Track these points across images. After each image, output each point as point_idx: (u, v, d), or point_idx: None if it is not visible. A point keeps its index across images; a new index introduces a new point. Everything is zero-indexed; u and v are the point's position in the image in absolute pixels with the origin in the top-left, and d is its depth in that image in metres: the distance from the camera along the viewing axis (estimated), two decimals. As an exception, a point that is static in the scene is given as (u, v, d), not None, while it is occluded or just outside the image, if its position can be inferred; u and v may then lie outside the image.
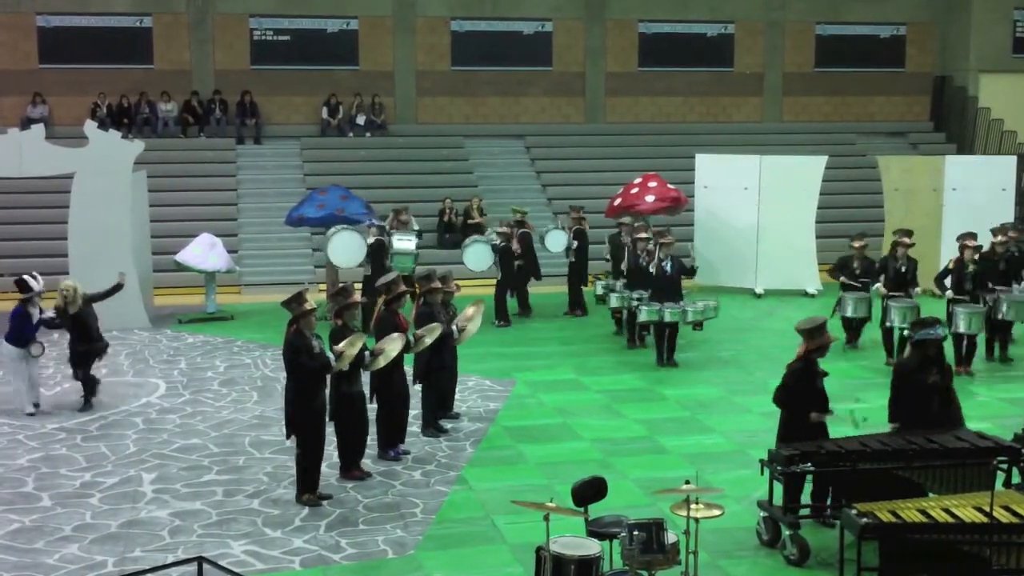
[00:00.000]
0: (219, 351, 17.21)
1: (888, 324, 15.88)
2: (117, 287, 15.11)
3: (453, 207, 24.27)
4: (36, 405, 13.85)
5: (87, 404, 14.04)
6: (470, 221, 24.04)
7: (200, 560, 7.19)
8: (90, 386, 14.17)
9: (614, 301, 17.30)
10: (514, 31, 28.47)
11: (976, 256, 16.02)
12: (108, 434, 12.91)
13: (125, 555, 9.52)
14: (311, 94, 27.36)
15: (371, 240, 18.76)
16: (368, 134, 27.38)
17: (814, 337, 9.98)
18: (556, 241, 20.05)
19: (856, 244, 16.97)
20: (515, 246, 19.52)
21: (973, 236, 16.21)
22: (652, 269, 16.37)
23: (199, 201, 24.67)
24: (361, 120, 27.34)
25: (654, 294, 16.21)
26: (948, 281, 16.34)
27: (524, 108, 28.64)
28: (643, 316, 16.16)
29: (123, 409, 13.97)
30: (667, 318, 15.93)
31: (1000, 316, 15.84)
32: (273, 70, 27.22)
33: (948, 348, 11.46)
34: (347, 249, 18.78)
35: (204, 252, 19.69)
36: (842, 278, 16.88)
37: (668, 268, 16.22)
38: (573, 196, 25.96)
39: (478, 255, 19.54)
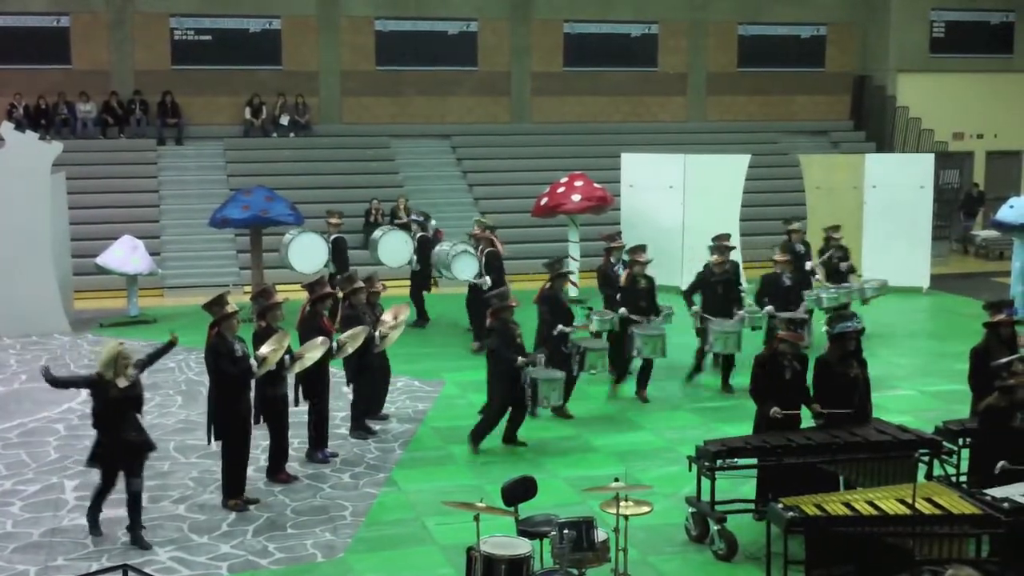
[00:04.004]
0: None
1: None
2: (170, 346, 10.72)
3: (380, 207, 24.16)
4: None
5: (93, 529, 9.95)
6: (396, 221, 23.94)
7: (125, 568, 7.10)
8: (94, 517, 10.00)
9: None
10: (439, 31, 28.38)
11: (645, 271, 14.42)
12: (28, 441, 12.65)
13: (48, 564, 9.35)
14: (234, 94, 27.03)
15: (419, 235, 18.94)
16: (292, 134, 27.14)
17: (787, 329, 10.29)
18: (465, 268, 17.65)
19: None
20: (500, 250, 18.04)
21: (642, 249, 14.54)
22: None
23: (120, 203, 24.26)
24: (285, 120, 27.08)
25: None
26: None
27: (450, 108, 28.57)
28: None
29: (43, 415, 13.69)
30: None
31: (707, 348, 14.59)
32: (195, 70, 26.84)
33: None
34: (395, 250, 18.81)
35: (126, 255, 19.38)
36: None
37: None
38: (499, 196, 26.03)
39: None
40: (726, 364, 14.69)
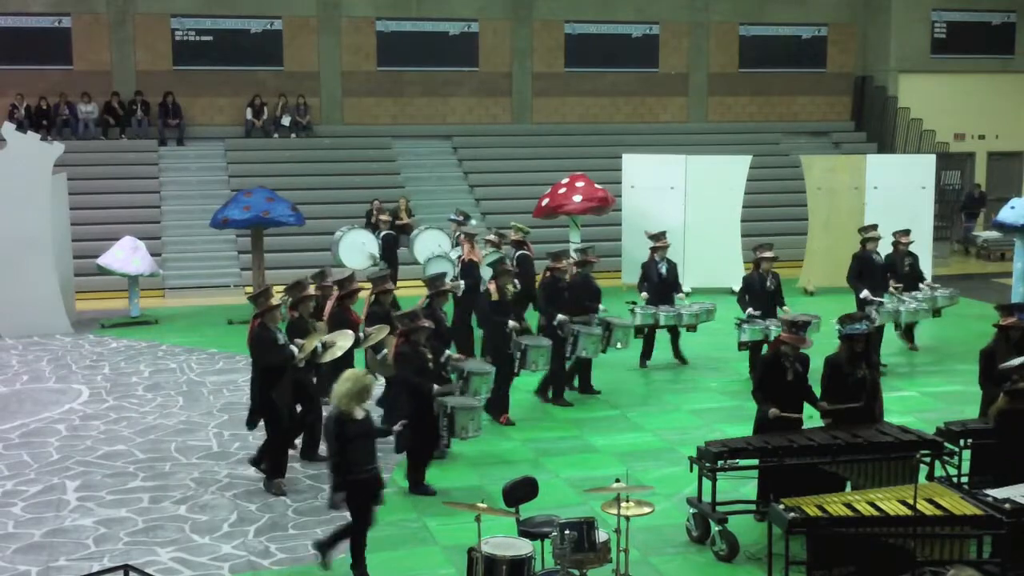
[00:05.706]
0: (143, 355, 16.94)
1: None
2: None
3: (381, 208, 24.16)
4: None
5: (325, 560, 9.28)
6: (398, 222, 23.94)
7: (126, 568, 7.09)
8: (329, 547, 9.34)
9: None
10: (440, 31, 28.39)
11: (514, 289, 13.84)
12: (30, 442, 12.65)
13: (49, 564, 9.35)
14: (235, 95, 27.05)
15: (458, 233, 18.61)
16: (293, 135, 27.15)
17: (789, 331, 10.22)
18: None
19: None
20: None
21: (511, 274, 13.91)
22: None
23: (121, 204, 24.28)
24: (286, 121, 27.09)
25: (651, 298, 15.62)
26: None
27: (451, 108, 28.59)
28: (637, 320, 15.30)
29: (45, 416, 13.68)
30: (662, 321, 15.52)
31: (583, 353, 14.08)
32: (196, 71, 26.86)
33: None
34: (427, 248, 18.88)
35: (127, 256, 19.39)
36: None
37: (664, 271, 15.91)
38: (500, 197, 26.03)
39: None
40: (585, 367, 14.63)
